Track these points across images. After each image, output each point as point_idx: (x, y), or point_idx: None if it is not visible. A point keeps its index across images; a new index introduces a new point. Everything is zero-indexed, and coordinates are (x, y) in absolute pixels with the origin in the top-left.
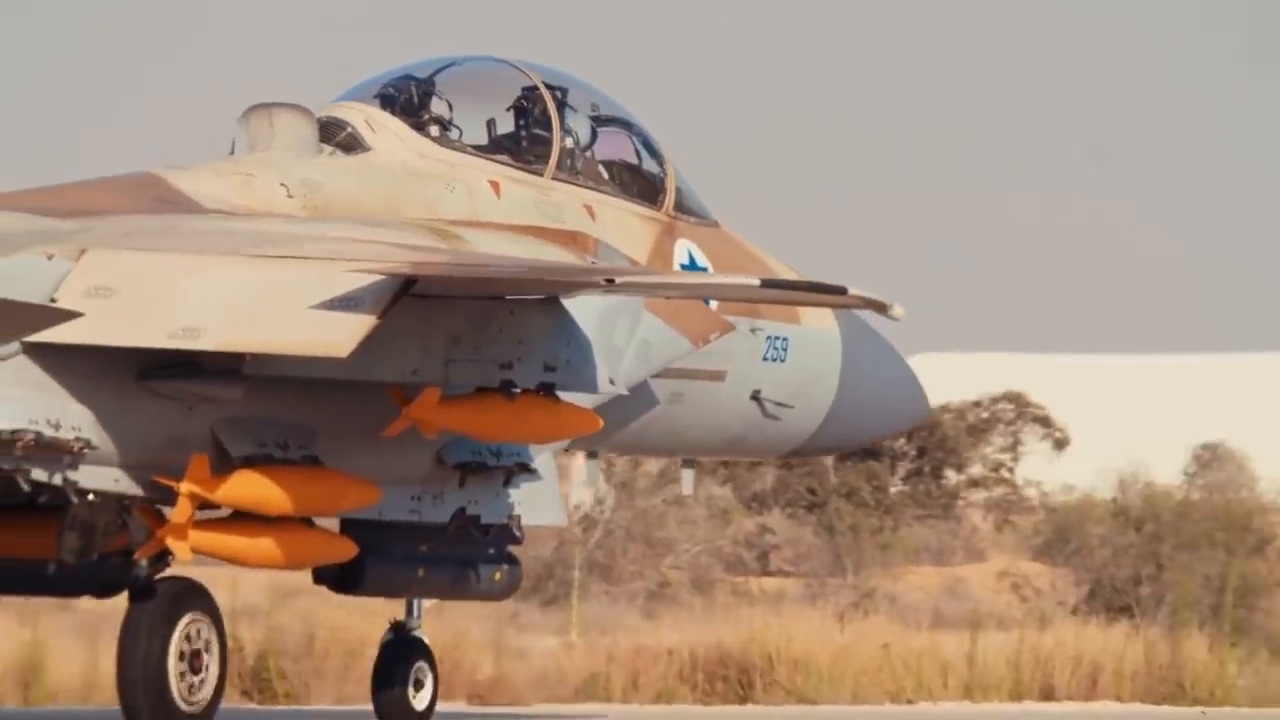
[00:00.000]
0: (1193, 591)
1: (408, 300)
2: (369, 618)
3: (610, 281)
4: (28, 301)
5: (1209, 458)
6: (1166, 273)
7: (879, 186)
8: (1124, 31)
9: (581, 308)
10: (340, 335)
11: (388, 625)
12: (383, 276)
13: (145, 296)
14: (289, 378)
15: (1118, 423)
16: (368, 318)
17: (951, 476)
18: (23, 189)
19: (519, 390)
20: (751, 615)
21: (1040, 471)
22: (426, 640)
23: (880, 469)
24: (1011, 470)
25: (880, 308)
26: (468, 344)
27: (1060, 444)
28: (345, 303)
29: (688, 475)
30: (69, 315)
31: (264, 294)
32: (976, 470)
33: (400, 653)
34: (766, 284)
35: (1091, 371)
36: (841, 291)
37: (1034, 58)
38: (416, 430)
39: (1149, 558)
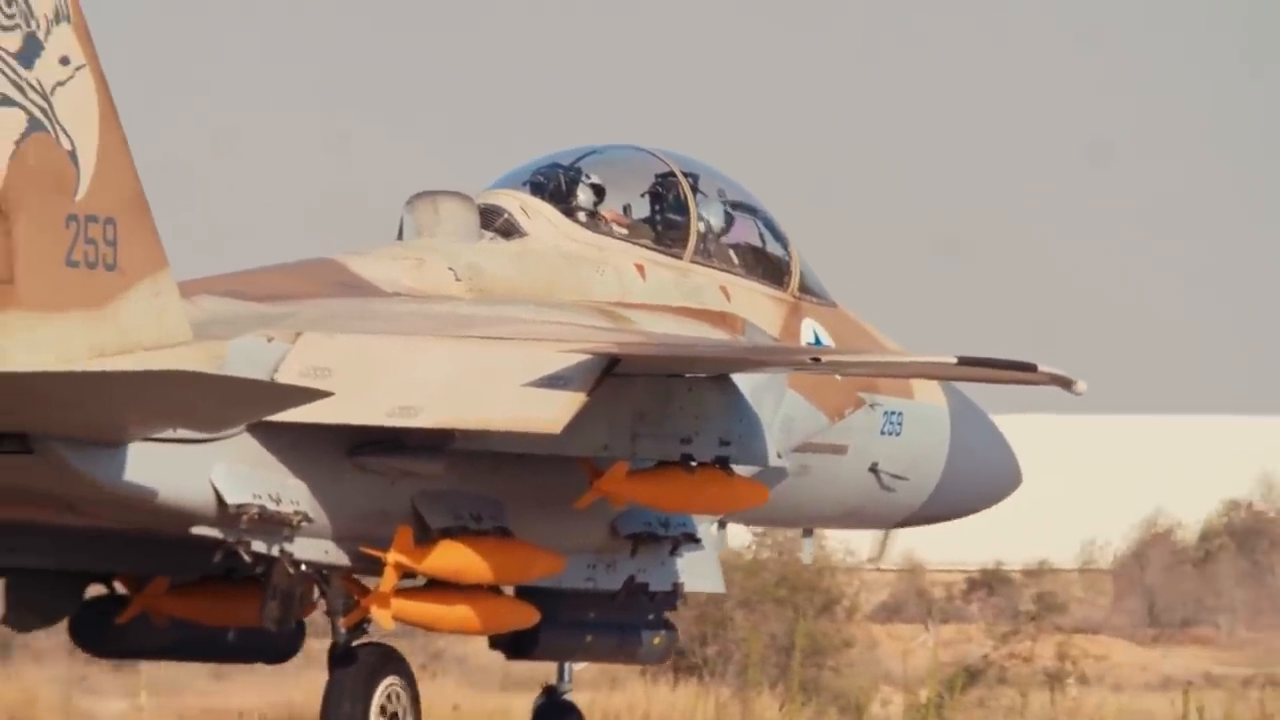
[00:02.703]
0: (760, 650)
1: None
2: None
3: (817, 360)
4: (295, 385)
5: None
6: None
7: None
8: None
9: None
10: (553, 413)
11: (540, 689)
12: (590, 356)
13: (361, 376)
14: (482, 452)
15: None
16: (578, 395)
17: None
18: (208, 275)
19: (697, 464)
20: (321, 677)
21: None
22: (577, 704)
23: None
24: None
25: (1065, 383)
26: (651, 419)
27: None
28: (556, 381)
29: (807, 544)
30: (321, 395)
31: (477, 373)
32: None
33: (552, 716)
34: (964, 361)
35: None
36: (1031, 368)
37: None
38: (597, 501)
39: (714, 617)
